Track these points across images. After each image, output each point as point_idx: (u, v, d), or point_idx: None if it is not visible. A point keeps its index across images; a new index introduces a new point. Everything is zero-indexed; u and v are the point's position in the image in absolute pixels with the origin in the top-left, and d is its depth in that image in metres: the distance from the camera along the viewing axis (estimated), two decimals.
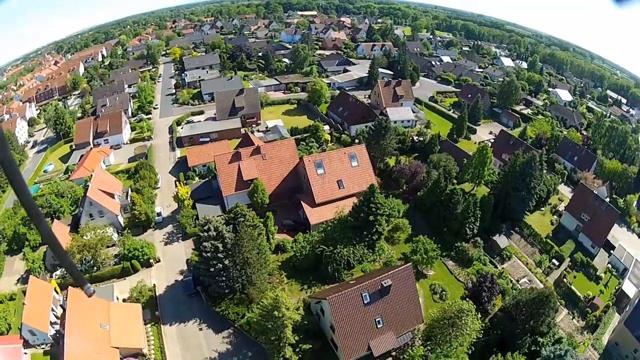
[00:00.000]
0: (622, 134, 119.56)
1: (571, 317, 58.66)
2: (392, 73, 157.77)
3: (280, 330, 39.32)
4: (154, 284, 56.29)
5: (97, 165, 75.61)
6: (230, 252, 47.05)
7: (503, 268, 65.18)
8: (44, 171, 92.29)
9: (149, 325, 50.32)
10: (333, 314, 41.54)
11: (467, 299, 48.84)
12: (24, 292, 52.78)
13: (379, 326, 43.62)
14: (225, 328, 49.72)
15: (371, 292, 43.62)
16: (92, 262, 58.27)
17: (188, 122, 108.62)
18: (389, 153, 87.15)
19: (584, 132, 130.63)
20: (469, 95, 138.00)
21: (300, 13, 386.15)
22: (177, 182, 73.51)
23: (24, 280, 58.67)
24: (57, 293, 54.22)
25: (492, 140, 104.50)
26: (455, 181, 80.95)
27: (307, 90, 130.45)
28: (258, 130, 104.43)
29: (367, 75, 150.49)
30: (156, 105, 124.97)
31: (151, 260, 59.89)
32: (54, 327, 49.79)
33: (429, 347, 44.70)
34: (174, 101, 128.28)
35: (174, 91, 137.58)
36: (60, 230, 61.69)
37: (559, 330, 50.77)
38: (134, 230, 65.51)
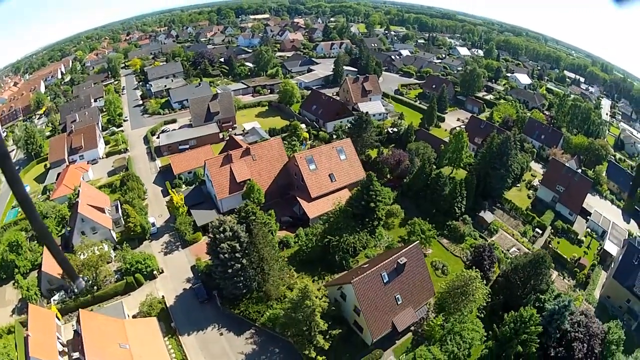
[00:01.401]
0: (585, 111, 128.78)
1: (562, 278, 63.97)
2: (356, 70, 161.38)
3: (311, 319, 40.34)
4: (162, 296, 55.15)
5: (82, 181, 72.44)
6: (246, 251, 47.39)
7: (493, 241, 69.67)
8: None
9: (166, 338, 49.04)
10: (357, 296, 43.20)
11: (472, 267, 52.10)
12: (22, 323, 49.91)
13: (399, 303, 45.92)
14: (245, 329, 49.73)
15: (389, 271, 45.86)
16: (91, 281, 56.08)
17: (163, 131, 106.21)
18: (370, 145, 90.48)
19: (547, 112, 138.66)
20: (433, 86, 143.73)
21: (252, 17, 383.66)
22: (171, 191, 72.23)
23: (19, 310, 55.31)
24: (59, 319, 51.87)
25: (464, 126, 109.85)
26: (434, 166, 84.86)
27: (276, 91, 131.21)
28: (235, 134, 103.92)
29: (332, 73, 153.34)
30: (126, 117, 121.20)
31: (154, 272, 58.59)
32: (63, 357, 47.63)
33: (444, 317, 47.55)
34: (143, 112, 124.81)
35: (141, 102, 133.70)
36: None
37: (555, 288, 55.32)
38: (130, 244, 63.60)
